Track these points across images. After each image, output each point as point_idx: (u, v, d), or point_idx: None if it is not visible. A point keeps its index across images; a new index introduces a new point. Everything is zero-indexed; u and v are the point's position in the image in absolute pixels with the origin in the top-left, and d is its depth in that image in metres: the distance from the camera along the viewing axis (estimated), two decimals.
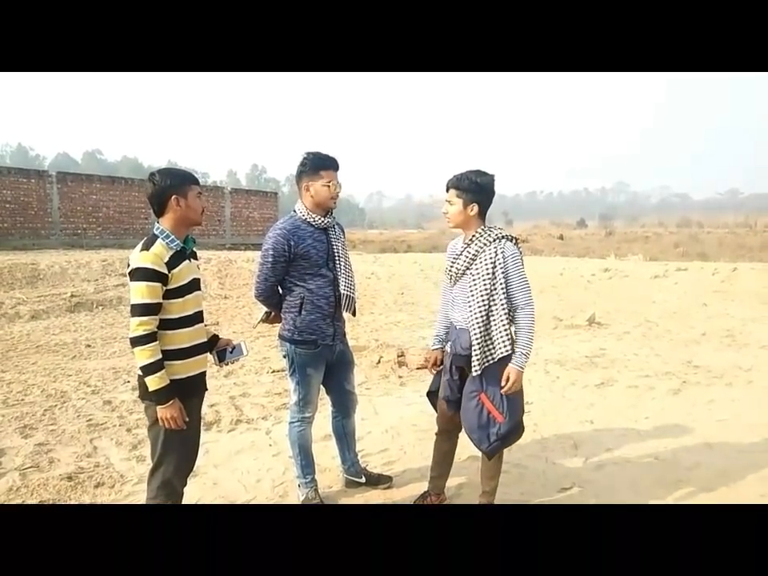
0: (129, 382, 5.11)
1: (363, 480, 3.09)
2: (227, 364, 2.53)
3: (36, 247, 15.49)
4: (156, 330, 2.15)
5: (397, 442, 3.78)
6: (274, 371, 5.48)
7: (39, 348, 6.62)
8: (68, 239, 17.18)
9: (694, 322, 8.27)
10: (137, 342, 2.12)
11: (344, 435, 3.07)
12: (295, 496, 2.96)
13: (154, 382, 2.13)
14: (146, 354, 2.12)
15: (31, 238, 16.44)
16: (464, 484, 3.15)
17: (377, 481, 3.11)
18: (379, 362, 5.78)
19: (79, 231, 17.77)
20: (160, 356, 2.15)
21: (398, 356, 5.81)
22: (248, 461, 3.47)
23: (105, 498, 2.99)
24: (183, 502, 2.42)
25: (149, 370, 2.13)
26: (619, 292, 11.61)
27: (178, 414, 2.18)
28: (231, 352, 2.49)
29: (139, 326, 2.11)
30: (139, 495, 2.95)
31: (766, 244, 23.06)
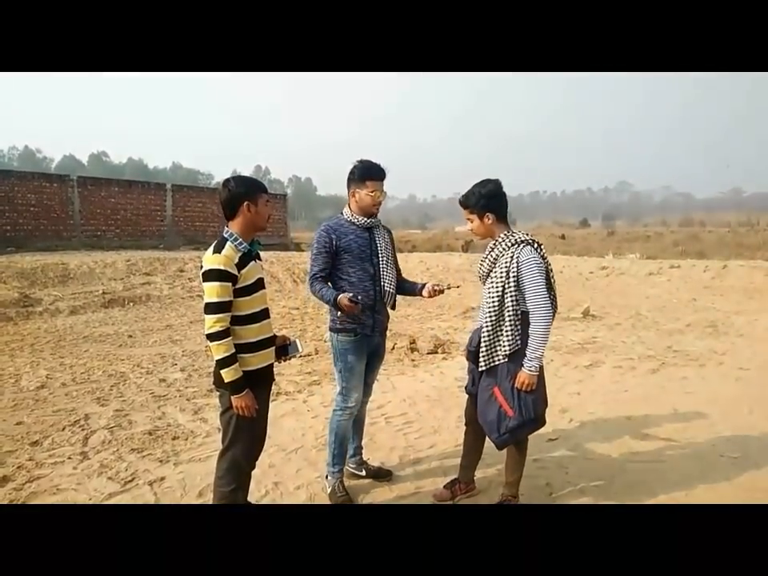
0: (176, 364, 5.84)
1: (363, 473, 3.25)
2: (284, 360, 2.67)
3: (59, 248, 16.24)
4: (229, 326, 2.28)
5: (413, 408, 4.49)
6: (300, 356, 6.19)
7: (86, 338, 7.35)
8: (88, 240, 17.97)
9: (680, 315, 8.95)
10: (214, 337, 2.25)
11: (354, 421, 3.17)
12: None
13: (229, 374, 2.27)
14: (222, 349, 2.25)
15: (54, 239, 17.21)
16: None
17: (375, 474, 3.24)
18: (393, 348, 6.50)
19: (99, 233, 18.59)
20: (234, 350, 2.28)
21: (411, 343, 6.54)
22: (291, 422, 4.20)
23: (182, 447, 3.71)
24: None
25: (224, 363, 2.27)
26: (615, 288, 12.29)
27: (251, 402, 2.33)
28: (288, 348, 2.63)
29: (216, 322, 2.24)
30: (210, 446, 3.66)
31: (765, 242, 23.52)
